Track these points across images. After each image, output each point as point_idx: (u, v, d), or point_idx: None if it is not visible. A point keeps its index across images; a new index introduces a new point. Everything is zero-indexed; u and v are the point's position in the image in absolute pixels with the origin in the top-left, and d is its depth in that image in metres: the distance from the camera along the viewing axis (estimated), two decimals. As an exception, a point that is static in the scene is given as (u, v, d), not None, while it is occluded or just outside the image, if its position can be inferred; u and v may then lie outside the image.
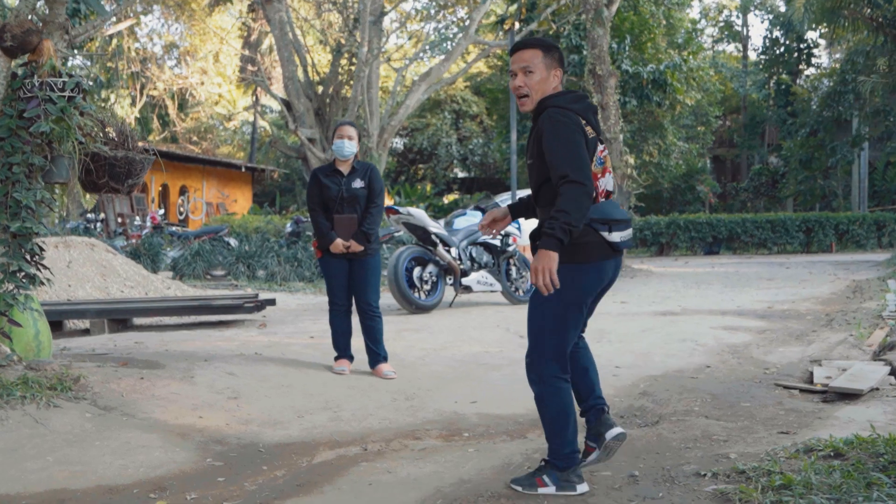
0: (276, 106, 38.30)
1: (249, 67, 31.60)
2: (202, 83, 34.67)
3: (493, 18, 32.09)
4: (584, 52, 25.46)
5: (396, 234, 16.61)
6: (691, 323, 9.29)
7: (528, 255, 14.41)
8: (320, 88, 27.24)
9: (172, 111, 36.07)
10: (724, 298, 12.00)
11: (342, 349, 6.57)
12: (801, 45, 40.97)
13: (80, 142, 5.32)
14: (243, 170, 33.47)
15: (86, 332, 9.10)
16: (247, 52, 30.96)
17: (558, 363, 3.75)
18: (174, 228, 19.81)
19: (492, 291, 11.20)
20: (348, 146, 6.43)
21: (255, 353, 6.90)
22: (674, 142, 29.03)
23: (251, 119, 40.58)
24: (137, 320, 9.65)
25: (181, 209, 29.58)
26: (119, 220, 22.78)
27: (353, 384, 6.13)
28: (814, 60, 41.86)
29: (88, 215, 20.61)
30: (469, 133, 40.56)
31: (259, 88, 36.46)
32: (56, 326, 8.86)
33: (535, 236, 3.76)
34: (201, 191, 31.14)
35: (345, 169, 6.50)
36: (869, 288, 12.73)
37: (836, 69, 34.50)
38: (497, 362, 7.12)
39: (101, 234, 18.54)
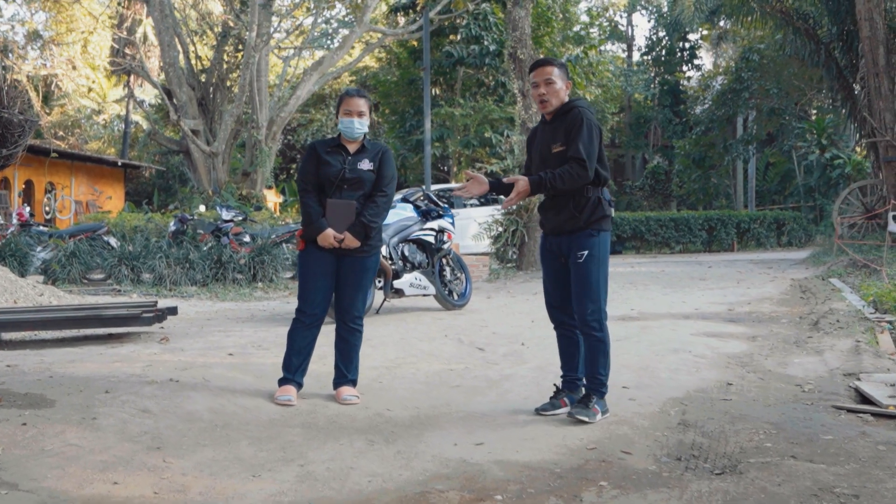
0: (152, 99, 35.98)
1: (127, 51, 29.24)
2: (74, 68, 32.04)
3: (381, 10, 30.83)
4: (485, 43, 24.48)
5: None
6: (666, 330, 8.18)
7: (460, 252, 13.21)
8: (203, 77, 25.31)
9: (36, 103, 33.20)
10: (674, 301, 11.00)
11: (293, 371, 5.13)
12: (686, 46, 41.15)
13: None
14: (119, 164, 31.03)
15: (-60, 351, 7.32)
16: (124, 35, 28.59)
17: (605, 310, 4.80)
18: (42, 228, 17.66)
19: (424, 295, 9.85)
20: (358, 125, 5.13)
21: (169, 378, 5.37)
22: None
23: (123, 113, 37.95)
24: (6, 334, 7.89)
25: (47, 208, 27.07)
26: (-23, 219, 20.43)
27: (309, 420, 4.71)
28: (696, 62, 42.12)
29: (-58, 213, 18.29)
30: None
31: (132, 80, 34.11)
32: None
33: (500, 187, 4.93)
34: (70, 188, 28.65)
35: (352, 147, 5.19)
36: (815, 287, 11.99)
37: (729, 67, 34.56)
38: (472, 383, 5.79)
39: (-45, 235, 16.33)
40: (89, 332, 8.01)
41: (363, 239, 5.09)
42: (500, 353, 7.05)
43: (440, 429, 4.59)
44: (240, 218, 15.62)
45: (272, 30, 24.31)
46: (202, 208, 19.89)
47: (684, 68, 41.48)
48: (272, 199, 27.38)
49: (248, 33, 21.00)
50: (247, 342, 7.42)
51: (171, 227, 15.91)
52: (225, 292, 12.47)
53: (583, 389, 4.87)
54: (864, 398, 5.21)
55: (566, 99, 4.79)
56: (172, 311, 8.23)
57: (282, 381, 5.13)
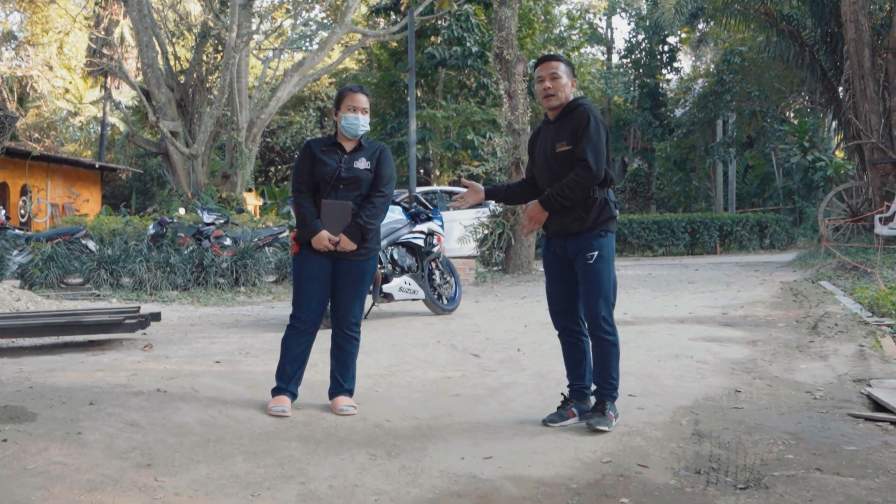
0: (129, 101, 35.55)
1: (104, 52, 28.85)
2: (50, 69, 31.61)
3: (361, 12, 30.59)
4: (467, 44, 24.31)
5: (282, 236, 14.81)
6: (663, 334, 8.00)
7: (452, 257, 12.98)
8: (182, 78, 24.97)
9: (11, 105, 32.78)
10: (665, 304, 10.83)
11: (287, 381, 4.89)
12: (665, 49, 41.12)
13: None
14: (97, 167, 30.60)
15: (-87, 359, 7.02)
16: (102, 35, 28.20)
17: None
18: (18, 231, 17.29)
19: (414, 300, 9.63)
20: (363, 122, 4.91)
21: (155, 389, 5.12)
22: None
23: (99, 115, 37.50)
24: (-18, 342, 7.61)
25: (23, 211, 26.63)
26: (-49, 223, 19.99)
27: (306, 432, 4.48)
28: (675, 64, 42.11)
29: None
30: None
31: (109, 81, 33.71)
32: None
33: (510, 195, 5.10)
34: (46, 191, 28.21)
35: (348, 145, 4.95)
36: (807, 290, 11.86)
37: (710, 70, 34.57)
38: (472, 392, 5.58)
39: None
40: (69, 339, 7.75)
41: (359, 241, 4.86)
42: (496, 360, 6.84)
43: (444, 441, 4.38)
44: (221, 221, 15.34)
45: (252, 30, 24.01)
46: (182, 211, 19.58)
47: (664, 71, 41.47)
48: (252, 201, 27.06)
49: (227, 34, 20.70)
50: (234, 349, 7.18)
51: (151, 230, 15.61)
52: (207, 297, 12.20)
53: (591, 398, 4.73)
54: (878, 405, 5.05)
55: (571, 97, 4.69)
56: (156, 316, 7.98)
57: (275, 391, 4.89)
